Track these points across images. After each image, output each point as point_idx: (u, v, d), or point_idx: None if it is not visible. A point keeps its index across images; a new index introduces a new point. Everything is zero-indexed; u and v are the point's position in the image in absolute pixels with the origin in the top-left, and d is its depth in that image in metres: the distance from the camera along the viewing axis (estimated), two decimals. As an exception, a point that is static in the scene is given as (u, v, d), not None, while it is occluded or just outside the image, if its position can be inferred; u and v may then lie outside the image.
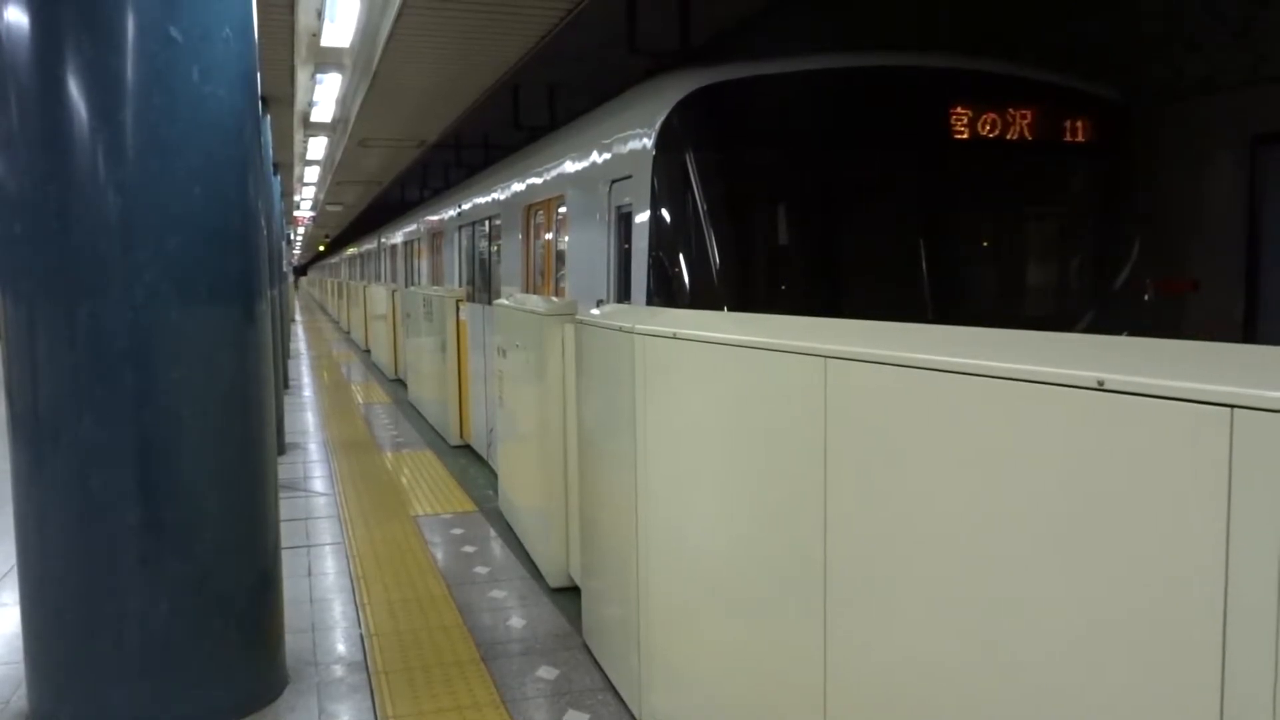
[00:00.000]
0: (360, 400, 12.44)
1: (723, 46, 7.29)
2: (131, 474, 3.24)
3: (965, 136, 4.50)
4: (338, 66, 8.65)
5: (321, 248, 51.89)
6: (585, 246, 5.59)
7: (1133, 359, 1.55)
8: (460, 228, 10.09)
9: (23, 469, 3.31)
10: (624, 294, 4.91)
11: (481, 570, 5.16)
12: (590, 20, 6.39)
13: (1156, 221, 5.08)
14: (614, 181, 5.08)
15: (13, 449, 3.32)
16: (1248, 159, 4.94)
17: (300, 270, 64.64)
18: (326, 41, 7.58)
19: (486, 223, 8.75)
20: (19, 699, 3.55)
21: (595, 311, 4.12)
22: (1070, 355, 1.63)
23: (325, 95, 9.94)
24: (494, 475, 7.07)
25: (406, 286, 13.84)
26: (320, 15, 6.92)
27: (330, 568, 5.22)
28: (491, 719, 3.47)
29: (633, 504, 3.34)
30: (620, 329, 3.40)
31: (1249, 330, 4.97)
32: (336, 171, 16.71)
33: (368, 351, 19.46)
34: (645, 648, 3.32)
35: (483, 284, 8.94)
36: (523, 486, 5.49)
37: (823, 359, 2.16)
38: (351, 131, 11.54)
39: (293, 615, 4.23)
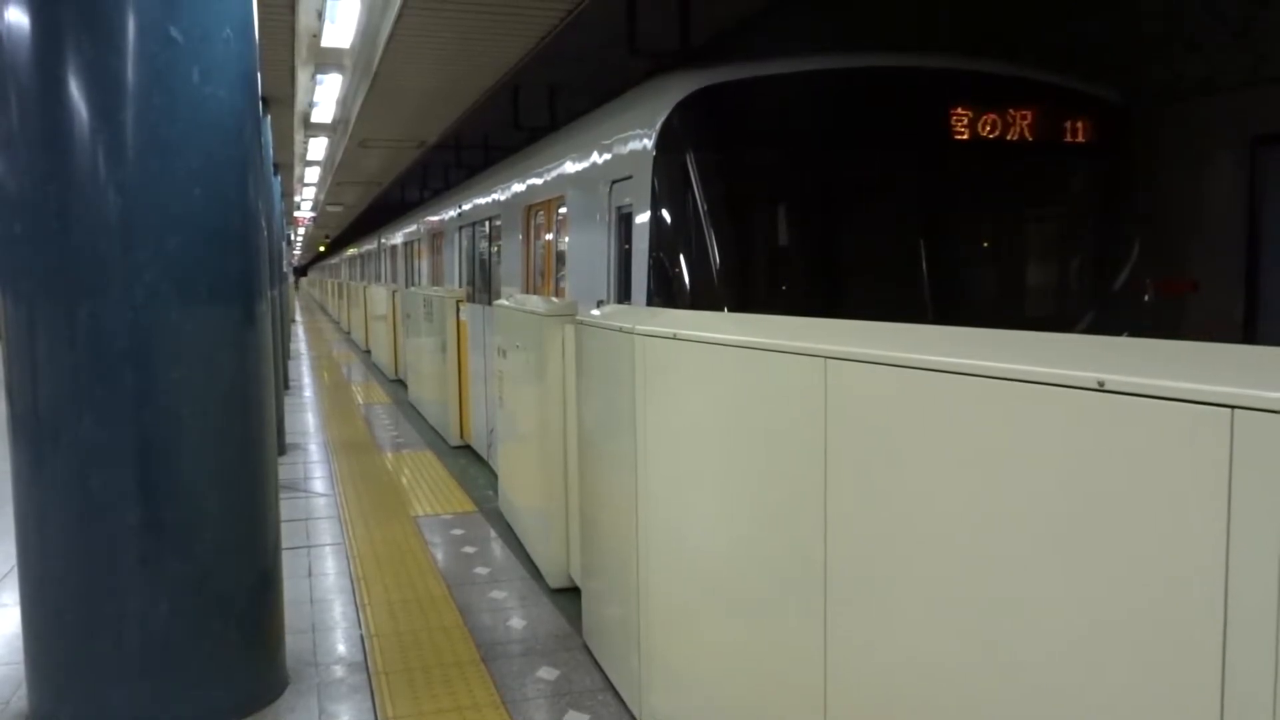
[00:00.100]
0: (360, 401, 12.44)
1: (723, 46, 7.29)
2: (131, 474, 3.24)
3: (965, 137, 4.50)
4: (338, 67, 8.65)
5: (322, 248, 51.89)
6: (585, 247, 5.59)
7: (1133, 359, 1.55)
8: (460, 228, 10.09)
9: (23, 469, 3.31)
10: (624, 294, 4.91)
11: (482, 571, 5.16)
12: (590, 21, 6.39)
13: (1156, 222, 5.08)
14: (614, 182, 5.08)
15: (13, 449, 3.32)
16: (1248, 159, 4.94)
17: (300, 271, 64.66)
18: (327, 42, 7.58)
19: (486, 223, 8.75)
20: (19, 699, 3.55)
21: (595, 312, 4.12)
22: (1070, 356, 1.63)
23: (325, 96, 9.95)
24: (494, 476, 7.07)
25: (407, 287, 13.85)
26: (320, 16, 6.92)
27: (330, 568, 5.22)
28: (491, 719, 3.47)
29: (633, 504, 3.34)
30: (620, 330, 3.40)
31: (1249, 330, 4.97)
32: (337, 172, 16.72)
33: (368, 352, 19.47)
34: (645, 648, 3.32)
35: (483, 284, 8.94)
36: (523, 487, 5.49)
37: (823, 359, 2.16)
38: (352, 132, 11.54)
39: (293, 616, 4.23)
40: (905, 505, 1.90)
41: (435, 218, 12.10)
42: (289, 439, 9.03)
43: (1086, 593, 1.47)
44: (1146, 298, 4.80)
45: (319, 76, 8.95)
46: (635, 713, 3.44)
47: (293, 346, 20.34)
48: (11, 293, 3.26)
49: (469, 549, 5.57)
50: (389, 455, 8.55)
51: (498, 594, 4.78)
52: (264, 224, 3.65)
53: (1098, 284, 4.95)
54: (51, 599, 3.32)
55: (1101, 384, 1.42)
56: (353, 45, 7.77)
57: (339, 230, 38.31)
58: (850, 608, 2.11)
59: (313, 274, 59.95)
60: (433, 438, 9.46)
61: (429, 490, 7.11)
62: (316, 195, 22.13)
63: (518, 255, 7.29)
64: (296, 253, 47.77)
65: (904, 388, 1.89)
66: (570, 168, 6.01)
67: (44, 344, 3.23)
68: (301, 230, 34.85)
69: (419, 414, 10.96)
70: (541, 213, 6.83)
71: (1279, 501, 1.18)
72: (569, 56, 7.77)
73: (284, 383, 12.02)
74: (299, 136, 12.71)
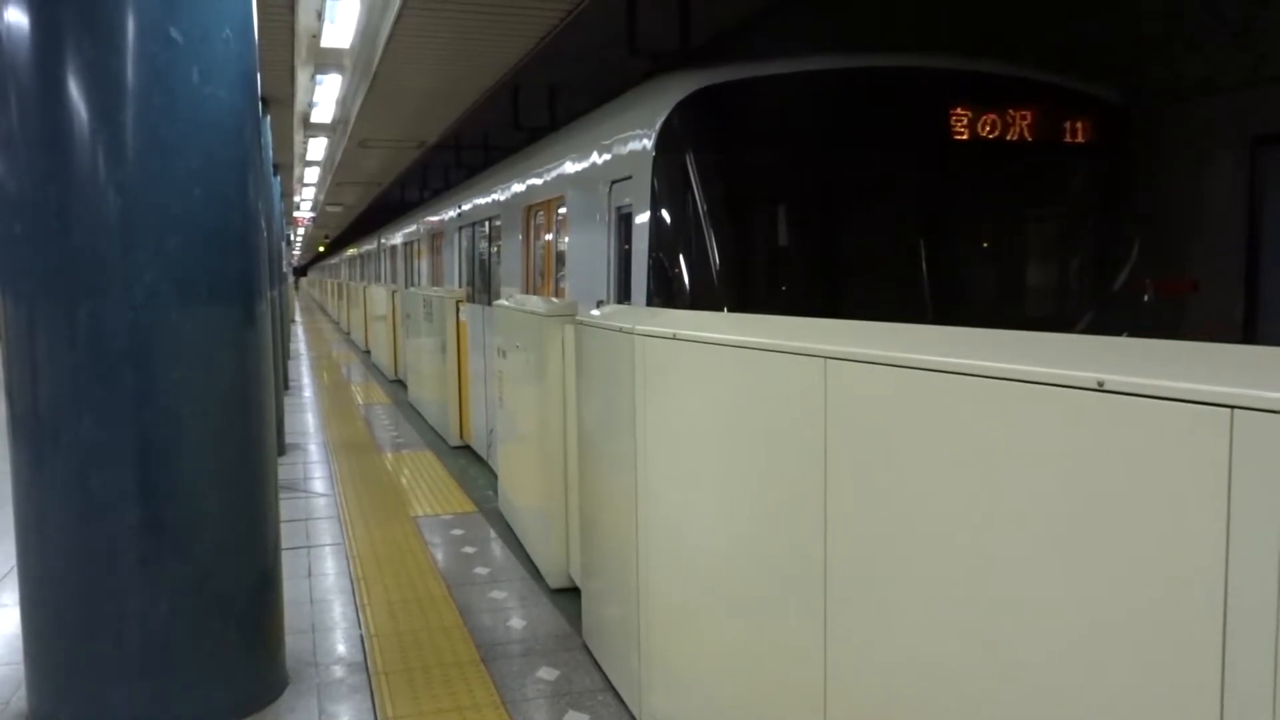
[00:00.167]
0: (360, 401, 12.44)
1: (723, 46, 7.29)
2: (131, 474, 3.24)
3: (965, 137, 4.50)
4: (338, 67, 8.66)
5: (321, 248, 51.89)
6: (585, 247, 5.59)
7: (1132, 359, 1.55)
8: (460, 228, 10.09)
9: (23, 469, 3.31)
10: (624, 295, 4.91)
11: (481, 571, 5.16)
12: (590, 21, 6.39)
13: (1156, 222, 5.08)
14: (614, 182, 5.08)
15: (13, 449, 3.32)
16: (1248, 160, 4.95)
17: (300, 271, 64.65)
18: (326, 42, 7.59)
19: (486, 223, 8.75)
20: (19, 699, 3.54)
21: (595, 312, 4.12)
22: (1070, 356, 1.63)
23: (325, 96, 9.95)
24: (494, 476, 7.07)
25: (406, 287, 13.85)
26: (320, 16, 6.93)
27: (330, 568, 5.22)
28: (491, 719, 3.47)
29: (633, 504, 3.34)
30: (620, 330, 3.40)
31: (1249, 330, 4.97)
32: (336, 172, 16.72)
33: (367, 352, 19.46)
34: (645, 648, 3.32)
35: (483, 285, 8.94)
36: (523, 487, 5.49)
37: (822, 359, 2.16)
38: (351, 132, 11.55)
39: (293, 616, 4.23)
40: (905, 505, 1.90)
41: (435, 218, 12.10)
42: (289, 439, 9.03)
43: (1086, 593, 1.47)
44: (1146, 298, 4.80)
45: (319, 77, 8.95)
46: (635, 713, 3.44)
47: (292, 347, 20.34)
48: (11, 293, 3.26)
49: (469, 549, 5.57)
50: (389, 455, 8.55)
51: (498, 594, 4.78)
52: (264, 224, 3.65)
53: (1097, 284, 4.95)
54: (51, 599, 3.32)
55: (1101, 384, 1.42)
56: (352, 45, 7.78)
57: (339, 230, 38.31)
58: (850, 607, 2.11)
59: (312, 274, 59.95)
60: (432, 438, 9.46)
61: (429, 490, 7.11)
62: (316, 195, 22.13)
63: (517, 255, 7.29)
64: (296, 253, 47.76)
65: (904, 388, 1.89)
66: (570, 168, 6.01)
67: (44, 344, 3.23)
68: (301, 230, 34.85)
69: (419, 414, 10.96)
70: (541, 213, 6.83)
71: (1279, 501, 1.18)
72: (569, 56, 7.77)
73: (284, 383, 12.02)
74: (299, 137, 12.71)
